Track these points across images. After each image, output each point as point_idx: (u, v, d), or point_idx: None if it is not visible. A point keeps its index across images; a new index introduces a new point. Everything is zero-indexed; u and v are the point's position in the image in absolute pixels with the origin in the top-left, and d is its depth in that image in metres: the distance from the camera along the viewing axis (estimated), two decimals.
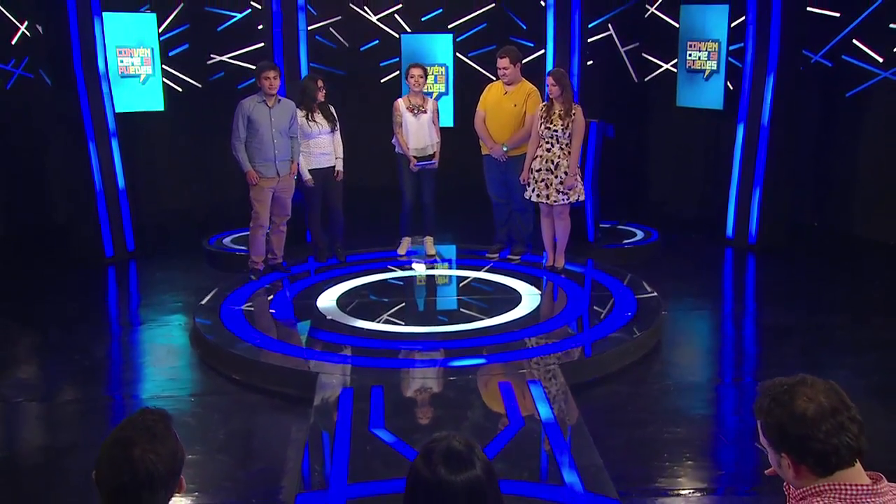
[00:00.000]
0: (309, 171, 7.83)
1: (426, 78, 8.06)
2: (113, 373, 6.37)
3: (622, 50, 10.71)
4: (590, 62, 10.25)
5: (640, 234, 9.14)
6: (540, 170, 7.45)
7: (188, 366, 6.31)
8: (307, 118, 7.76)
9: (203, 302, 7.06)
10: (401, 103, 8.01)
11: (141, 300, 8.03)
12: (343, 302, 7.10)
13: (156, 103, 9.80)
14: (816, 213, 9.68)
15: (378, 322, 6.64)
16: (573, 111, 7.35)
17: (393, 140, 8.08)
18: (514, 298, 7.14)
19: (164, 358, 6.44)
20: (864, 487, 2.04)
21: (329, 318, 6.74)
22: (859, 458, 2.08)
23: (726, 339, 7.01)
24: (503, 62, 7.81)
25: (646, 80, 10.65)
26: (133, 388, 6.02)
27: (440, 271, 8.17)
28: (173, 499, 2.13)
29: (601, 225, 8.97)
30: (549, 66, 9.33)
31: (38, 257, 8.81)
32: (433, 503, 1.92)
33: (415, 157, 7.97)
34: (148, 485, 2.04)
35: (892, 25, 8.74)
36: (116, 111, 8.87)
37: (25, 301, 7.69)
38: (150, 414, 2.14)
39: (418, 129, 7.96)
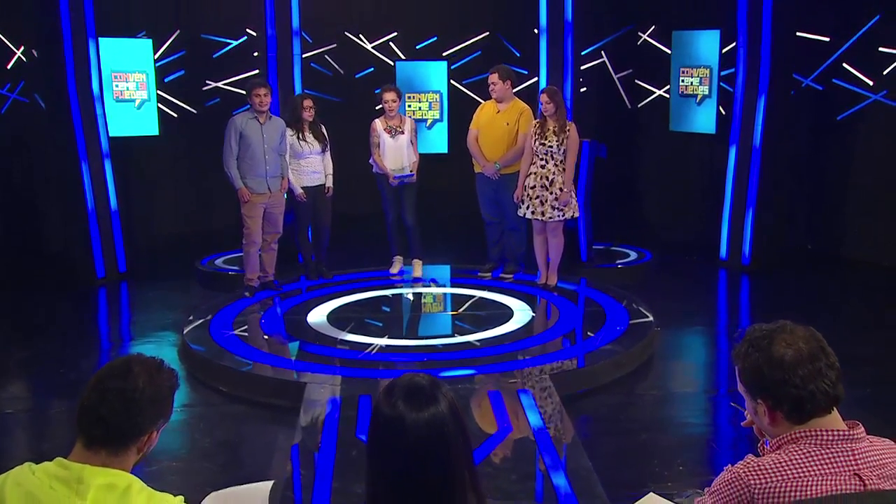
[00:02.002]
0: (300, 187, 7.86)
1: (399, 101, 8.09)
2: None
3: (615, 77, 10.77)
4: (583, 89, 10.30)
5: (633, 255, 9.14)
6: (534, 186, 7.45)
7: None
8: (297, 137, 7.79)
9: (194, 317, 7.02)
10: (378, 124, 8.04)
11: (131, 318, 7.99)
12: (334, 318, 7.06)
13: (151, 128, 9.82)
14: (809, 235, 9.67)
15: (374, 339, 6.60)
16: (567, 127, 7.36)
17: (370, 160, 8.10)
18: (505, 314, 7.10)
19: None
20: (841, 433, 2.00)
21: (318, 332, 6.70)
22: (836, 406, 2.04)
23: (720, 354, 6.94)
24: (492, 77, 7.87)
25: (639, 105, 10.70)
26: None
27: (432, 289, 8.13)
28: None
29: (595, 246, 8.96)
30: None
31: (29, 277, 8.75)
32: (394, 440, 1.83)
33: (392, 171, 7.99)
34: (129, 395, 2.05)
35: (881, 49, 8.81)
36: (111, 135, 8.91)
37: (15, 319, 7.64)
38: (164, 364, 2.22)
39: (395, 151, 7.98)
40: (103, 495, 1.99)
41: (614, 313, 7.03)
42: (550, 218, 7.44)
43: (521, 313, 7.11)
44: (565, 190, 7.36)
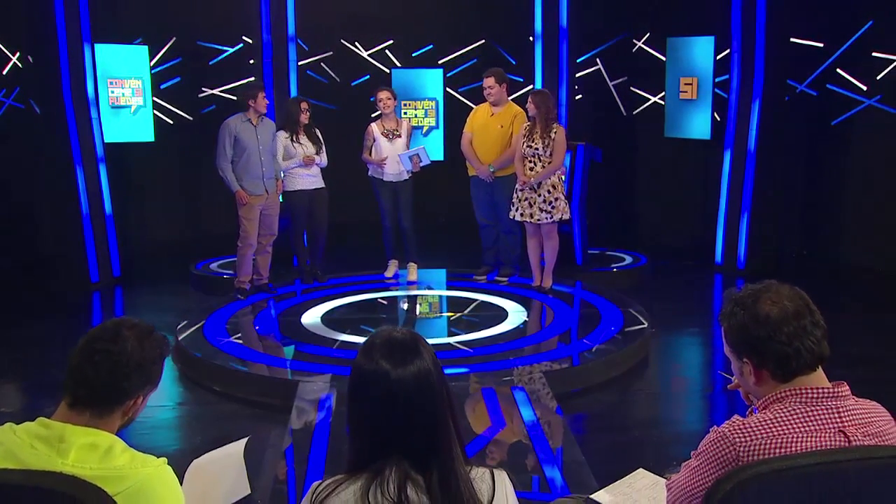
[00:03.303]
0: (294, 192, 7.84)
1: (395, 100, 8.09)
2: None
3: (610, 84, 10.81)
4: (578, 96, 10.33)
5: (628, 259, 9.14)
6: (523, 189, 7.44)
7: (170, 379, 6.20)
8: (291, 140, 7.78)
9: (188, 319, 7.00)
10: (374, 128, 8.03)
11: None
12: (328, 319, 7.05)
13: (146, 134, 9.83)
14: (804, 240, 9.67)
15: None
16: (553, 130, 7.35)
17: (365, 161, 8.10)
18: (500, 315, 7.09)
19: None
20: (825, 390, 2.00)
21: (313, 333, 6.69)
22: (821, 364, 2.04)
23: (715, 354, 6.94)
24: (488, 81, 7.87)
25: (634, 112, 10.73)
26: None
27: (427, 292, 8.11)
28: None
29: (590, 251, 8.96)
30: None
31: (23, 282, 8.74)
32: (381, 398, 1.81)
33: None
34: (116, 359, 2.04)
35: (874, 54, 8.84)
36: (107, 141, 8.92)
37: (8, 323, 7.62)
38: (155, 330, 2.20)
39: (394, 154, 7.95)
40: (85, 454, 1.98)
41: (609, 315, 7.02)
42: (539, 220, 7.42)
43: (516, 315, 7.10)
44: (541, 174, 7.31)
